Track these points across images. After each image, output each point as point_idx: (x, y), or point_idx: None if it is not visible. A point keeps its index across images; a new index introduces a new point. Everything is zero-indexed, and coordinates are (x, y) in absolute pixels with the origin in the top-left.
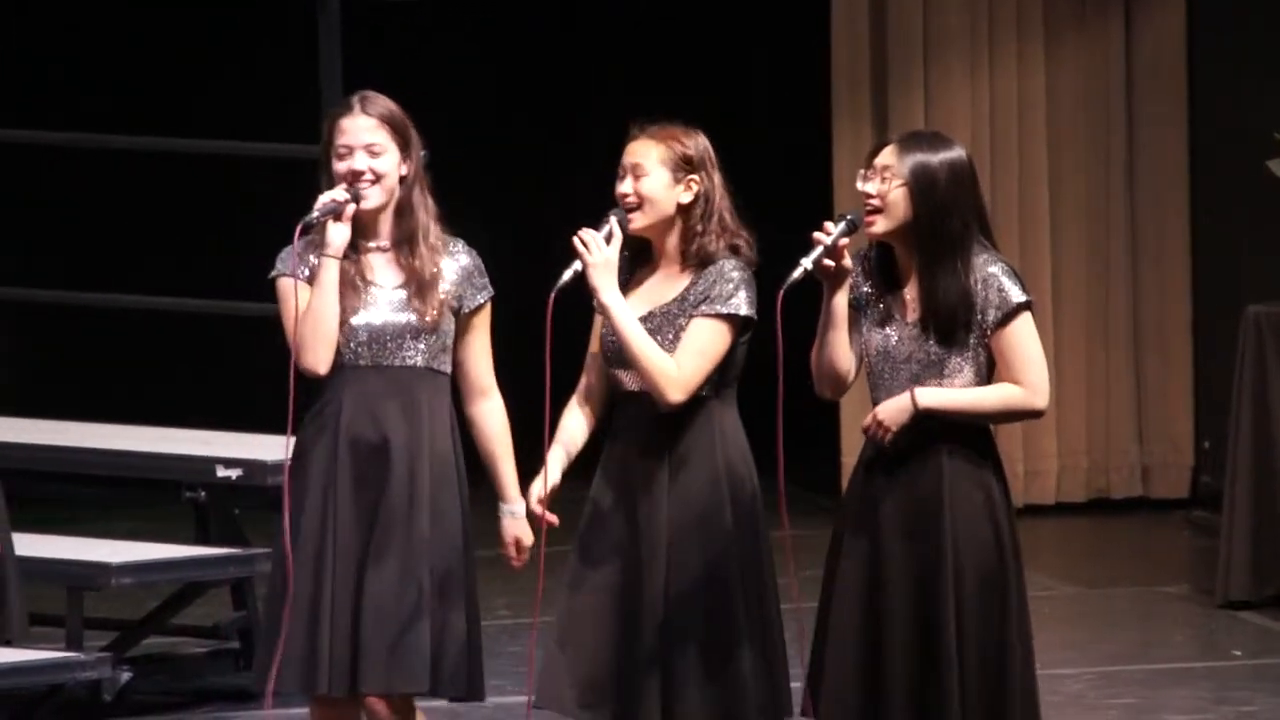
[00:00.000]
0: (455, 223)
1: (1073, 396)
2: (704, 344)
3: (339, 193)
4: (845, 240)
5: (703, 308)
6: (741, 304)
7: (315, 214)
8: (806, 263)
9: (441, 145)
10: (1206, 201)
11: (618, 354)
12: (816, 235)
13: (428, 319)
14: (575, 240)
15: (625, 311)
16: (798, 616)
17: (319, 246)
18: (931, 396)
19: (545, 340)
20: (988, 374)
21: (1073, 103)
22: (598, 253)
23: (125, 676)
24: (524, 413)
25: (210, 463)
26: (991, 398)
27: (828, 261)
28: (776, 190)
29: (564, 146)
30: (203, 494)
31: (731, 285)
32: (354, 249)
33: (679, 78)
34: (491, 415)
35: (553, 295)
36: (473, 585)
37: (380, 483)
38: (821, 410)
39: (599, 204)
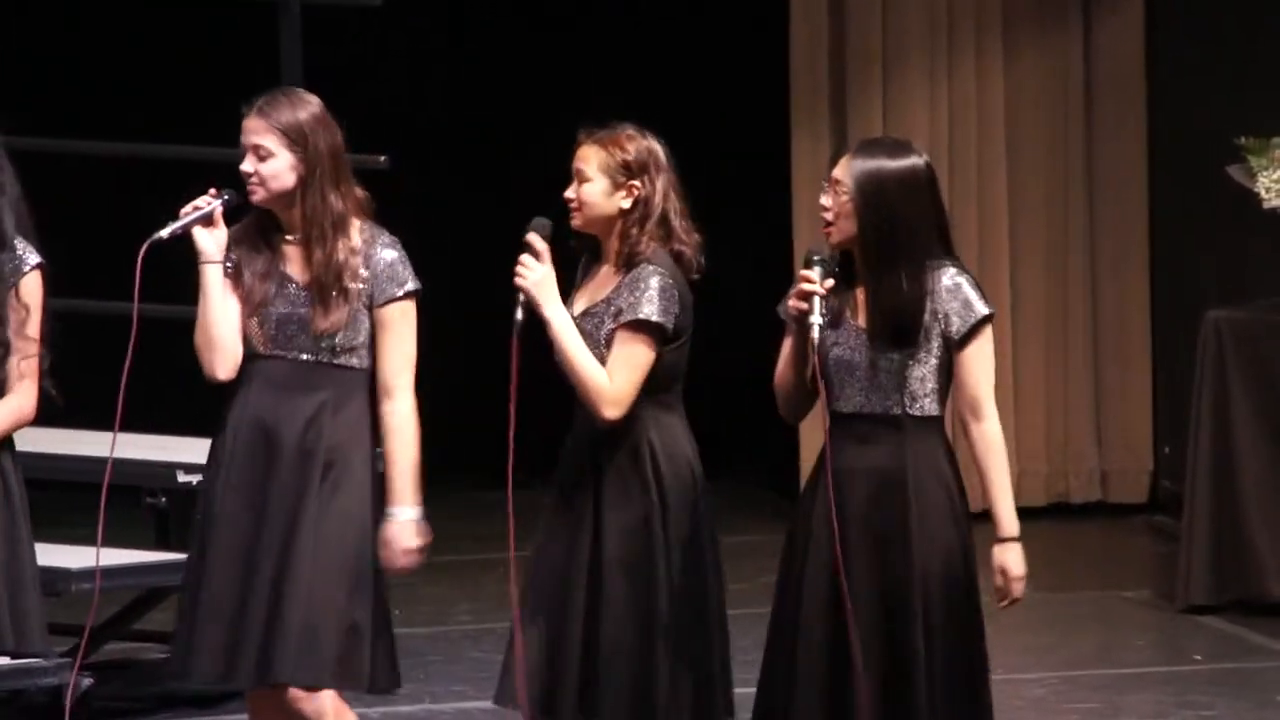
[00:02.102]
0: (411, 225)
1: (1032, 401)
2: (627, 355)
3: (203, 200)
4: (830, 281)
5: (621, 318)
6: (653, 312)
7: (171, 228)
8: (817, 321)
9: (402, 147)
10: (1165, 206)
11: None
12: (806, 287)
13: (327, 315)
14: (516, 269)
15: (566, 325)
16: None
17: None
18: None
19: (510, 374)
20: (946, 384)
21: (1031, 109)
22: (532, 272)
23: (86, 683)
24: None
25: (171, 468)
26: (1001, 467)
27: (800, 304)
28: (735, 200)
29: (526, 149)
30: (163, 499)
31: (641, 293)
32: (275, 240)
33: (637, 86)
34: (388, 417)
35: (514, 337)
36: (380, 581)
37: (267, 474)
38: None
39: (553, 205)
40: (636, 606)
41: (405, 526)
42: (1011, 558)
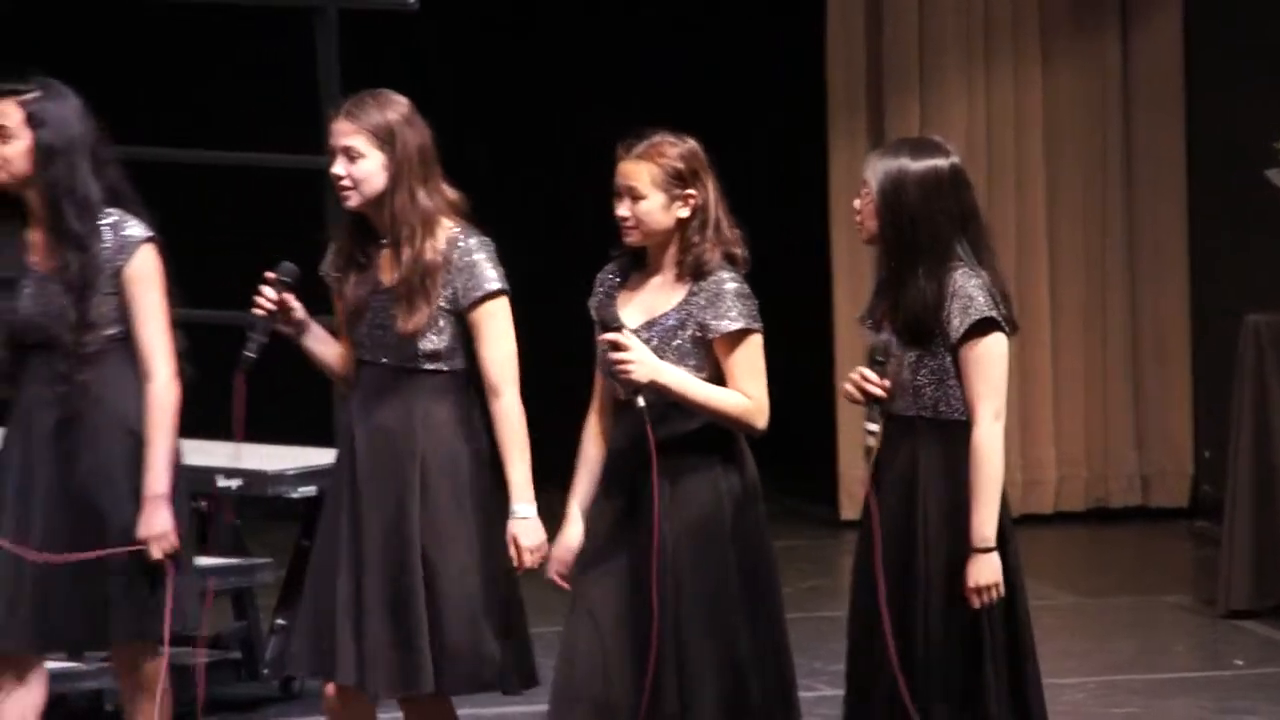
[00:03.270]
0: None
1: (1072, 405)
2: (748, 366)
3: (265, 298)
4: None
5: (710, 332)
6: (747, 319)
7: (252, 342)
8: (874, 428)
9: (443, 150)
10: (1204, 210)
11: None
12: (869, 389)
13: (410, 316)
14: (614, 357)
15: (685, 381)
16: None
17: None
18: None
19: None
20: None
21: (1070, 113)
22: (639, 364)
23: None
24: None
25: (210, 472)
26: (984, 476)
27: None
28: (773, 206)
29: (558, 155)
30: (204, 504)
31: (726, 303)
32: (370, 246)
33: (674, 91)
34: (497, 416)
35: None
36: (501, 581)
37: (368, 479)
38: (821, 422)
39: (596, 212)
40: (712, 609)
41: (526, 524)
42: (974, 568)
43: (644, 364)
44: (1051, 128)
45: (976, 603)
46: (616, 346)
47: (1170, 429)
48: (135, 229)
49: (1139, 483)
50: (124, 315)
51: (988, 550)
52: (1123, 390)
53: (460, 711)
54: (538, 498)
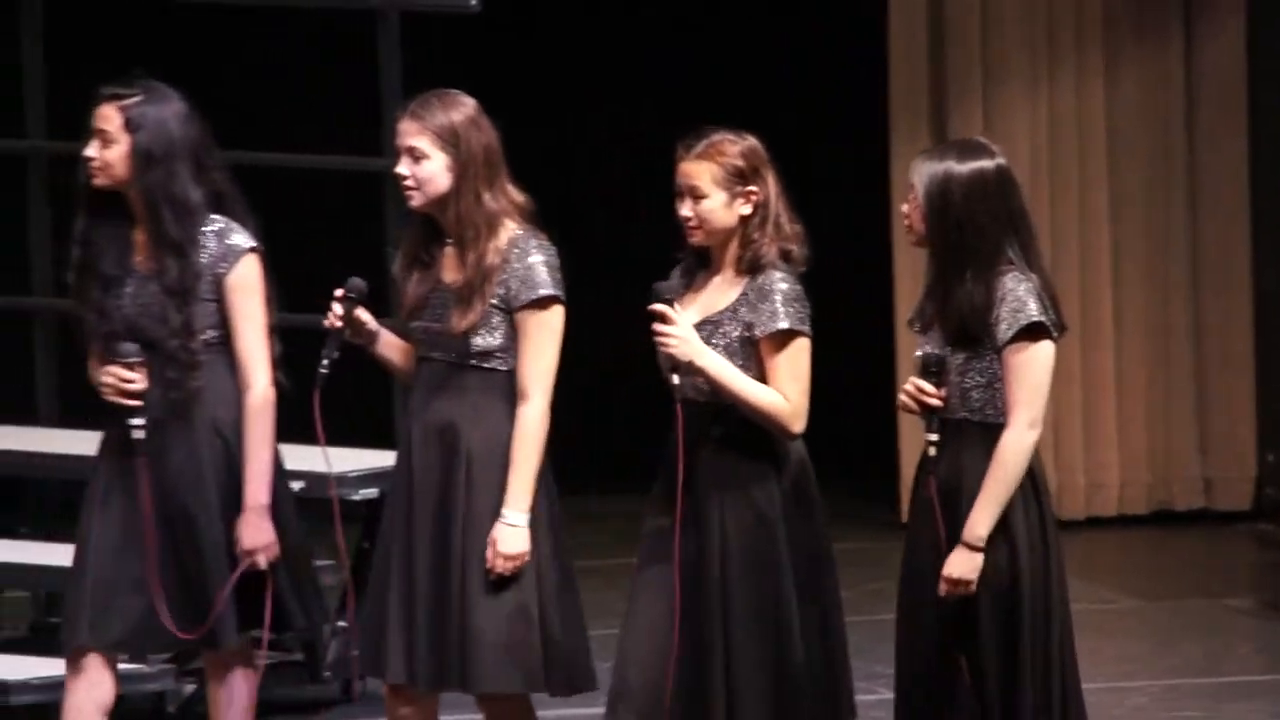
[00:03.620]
0: None
1: (1135, 409)
2: (789, 368)
3: (334, 314)
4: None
5: (756, 330)
6: (792, 320)
7: (325, 358)
8: (934, 439)
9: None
10: (1267, 214)
11: (668, 358)
12: (927, 401)
13: (465, 315)
14: (657, 329)
15: (724, 368)
16: None
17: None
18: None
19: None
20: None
21: (1133, 119)
22: (680, 341)
23: (189, 688)
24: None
25: None
26: (996, 478)
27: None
28: (835, 209)
29: (619, 151)
30: None
31: (773, 303)
32: (435, 247)
33: (734, 94)
34: (518, 419)
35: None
36: (555, 583)
37: (423, 475)
38: (881, 423)
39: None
40: (764, 610)
41: (509, 531)
42: (957, 559)
43: (686, 343)
44: (1114, 135)
45: (944, 591)
46: (663, 319)
47: (1234, 432)
48: (239, 238)
49: (1202, 486)
50: (222, 321)
51: (975, 548)
52: (1186, 393)
53: (540, 713)
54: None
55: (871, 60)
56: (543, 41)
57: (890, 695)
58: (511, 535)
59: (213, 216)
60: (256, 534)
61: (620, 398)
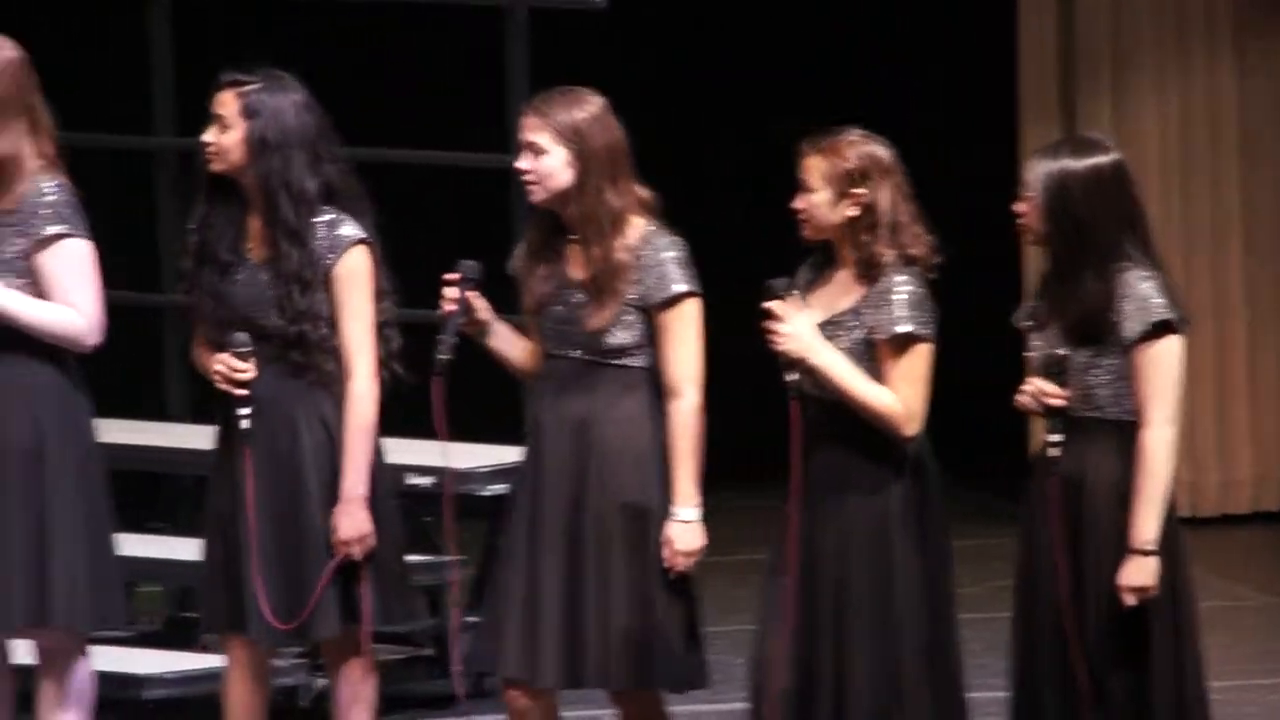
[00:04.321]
0: None
1: (1267, 404)
2: (905, 371)
3: (450, 299)
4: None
5: (877, 333)
6: (911, 324)
7: (444, 344)
8: (1057, 439)
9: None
10: None
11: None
12: (1049, 402)
13: (598, 313)
14: (768, 325)
15: (839, 364)
16: None
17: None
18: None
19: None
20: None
21: (1263, 114)
22: (792, 338)
23: (321, 682)
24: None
25: (400, 470)
26: (1147, 477)
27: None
28: (965, 204)
29: (749, 150)
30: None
31: (893, 306)
32: (558, 241)
33: (864, 90)
34: (671, 416)
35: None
36: (675, 579)
37: (553, 470)
38: (1010, 420)
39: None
40: (879, 608)
41: (683, 528)
42: (1132, 568)
43: (796, 338)
44: (1245, 131)
45: (1132, 601)
46: (772, 315)
47: None
48: (349, 229)
49: None
50: (329, 312)
51: (1148, 553)
52: None
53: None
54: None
55: (1000, 56)
56: (674, 39)
57: (1007, 694)
58: (686, 532)
59: (325, 208)
60: (352, 525)
61: (744, 392)
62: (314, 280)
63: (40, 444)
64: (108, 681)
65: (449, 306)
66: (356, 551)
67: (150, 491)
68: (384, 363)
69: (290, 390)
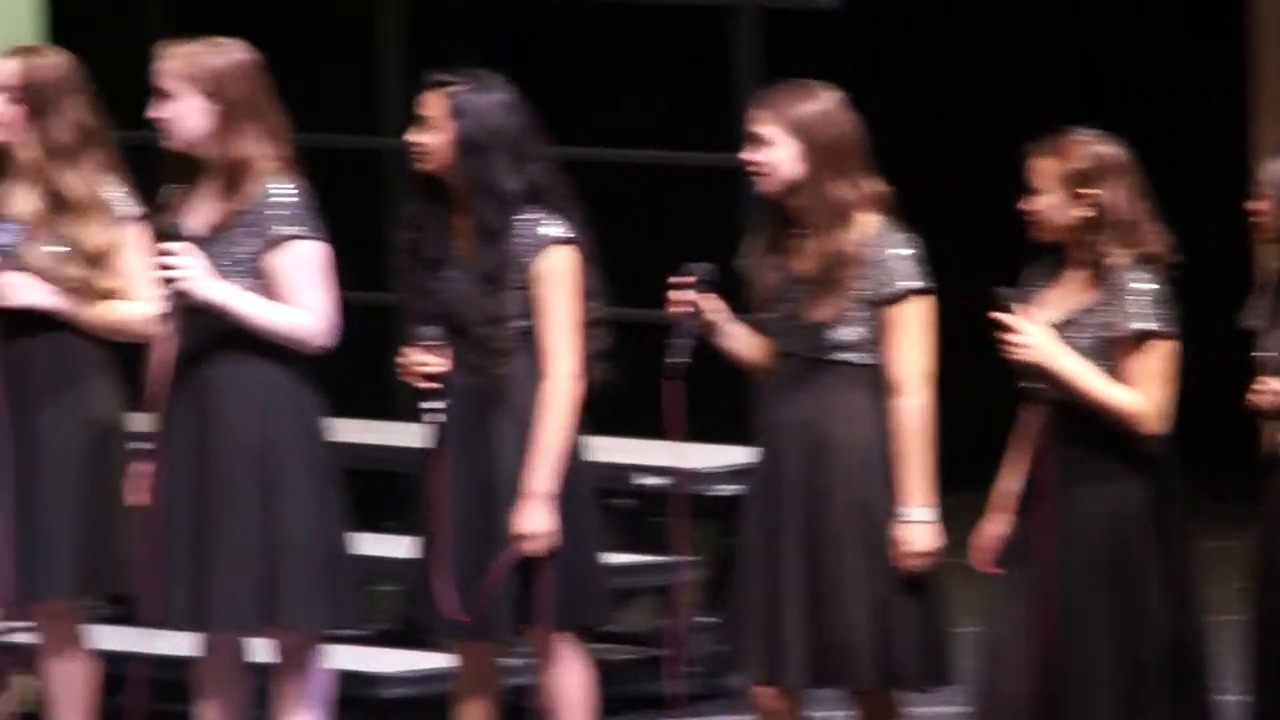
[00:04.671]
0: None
1: None
2: (1148, 370)
3: (682, 330)
4: None
5: (1114, 330)
6: (1150, 322)
7: (677, 360)
8: None
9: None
10: None
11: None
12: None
13: (822, 308)
14: (999, 336)
15: (1077, 368)
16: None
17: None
18: None
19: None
20: None
21: None
22: (1032, 348)
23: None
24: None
25: (627, 470)
26: None
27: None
28: (1198, 201)
29: (974, 154)
30: (631, 501)
31: (1129, 304)
32: (785, 234)
33: (1096, 93)
34: (897, 414)
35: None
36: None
37: (789, 471)
38: (1245, 416)
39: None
40: (1118, 611)
41: (914, 528)
42: None
43: (1029, 347)
44: None
45: None
46: (1003, 325)
47: None
48: (552, 228)
49: None
50: (531, 311)
51: None
52: None
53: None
54: None
55: (1232, 54)
56: (906, 39)
57: (1240, 698)
58: (917, 533)
59: (529, 208)
60: (532, 520)
61: (968, 393)
62: (505, 281)
63: (272, 444)
64: (346, 680)
65: (681, 309)
66: (536, 547)
67: (385, 491)
68: (591, 362)
69: (483, 388)
